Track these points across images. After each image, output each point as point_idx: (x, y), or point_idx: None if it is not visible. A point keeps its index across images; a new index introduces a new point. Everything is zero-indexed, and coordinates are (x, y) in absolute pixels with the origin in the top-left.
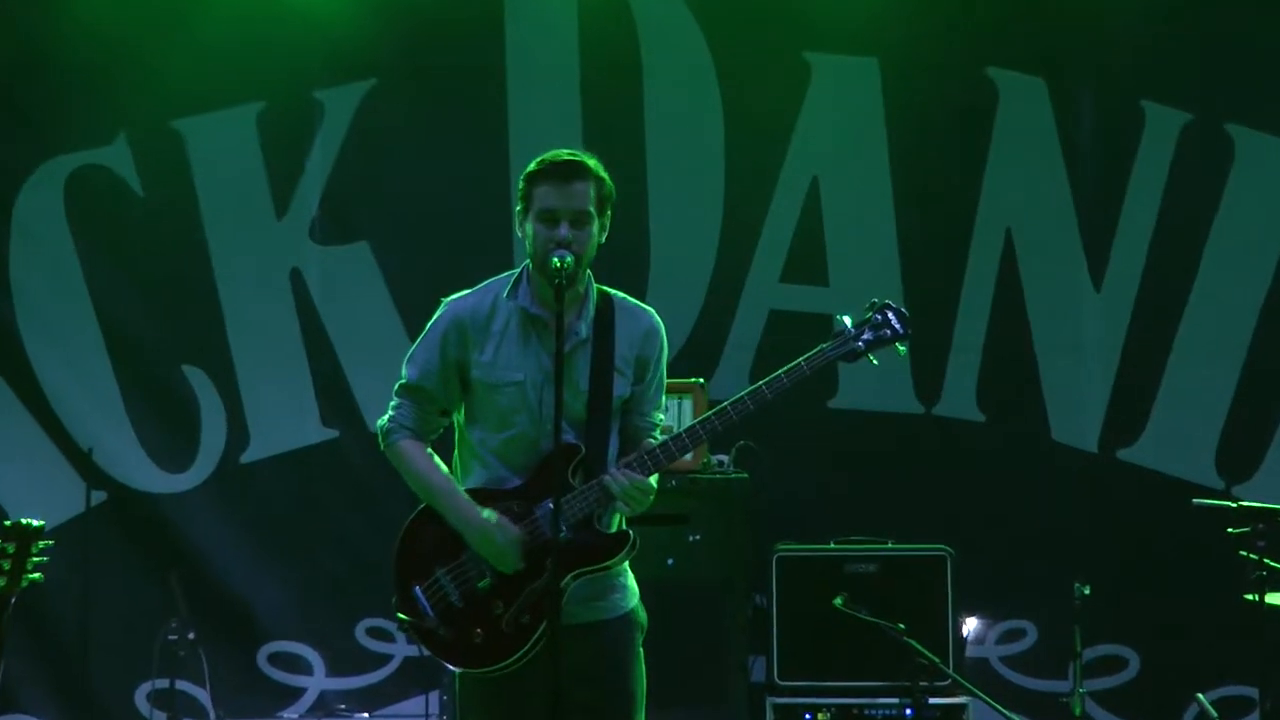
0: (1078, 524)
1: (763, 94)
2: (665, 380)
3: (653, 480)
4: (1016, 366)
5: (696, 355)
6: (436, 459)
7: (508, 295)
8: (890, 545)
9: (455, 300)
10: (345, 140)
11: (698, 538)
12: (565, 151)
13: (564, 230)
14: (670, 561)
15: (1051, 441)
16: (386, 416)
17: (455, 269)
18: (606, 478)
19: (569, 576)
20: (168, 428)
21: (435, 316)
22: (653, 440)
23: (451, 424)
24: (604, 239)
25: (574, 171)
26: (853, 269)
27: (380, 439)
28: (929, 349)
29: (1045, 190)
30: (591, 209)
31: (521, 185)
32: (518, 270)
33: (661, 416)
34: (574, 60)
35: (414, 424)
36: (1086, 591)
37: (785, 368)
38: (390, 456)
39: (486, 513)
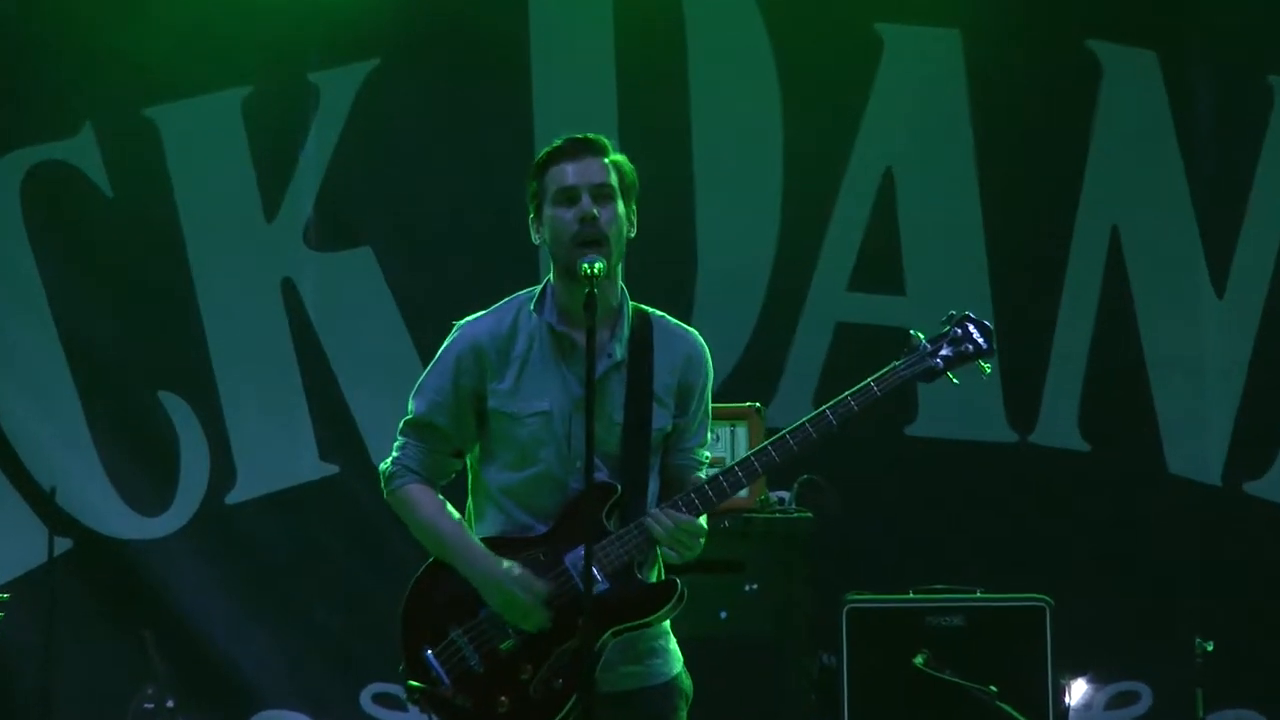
0: (1198, 569)
1: (827, 72)
2: (710, 413)
3: (702, 521)
4: (1125, 387)
5: (752, 376)
6: (448, 506)
7: (534, 308)
8: (979, 595)
9: (469, 323)
10: (344, 130)
11: (754, 587)
12: (575, 134)
13: (586, 202)
14: (723, 615)
15: (1167, 474)
16: (390, 459)
17: (472, 278)
18: (648, 519)
19: (607, 634)
20: (142, 464)
21: (447, 342)
22: (700, 477)
23: (464, 466)
24: (633, 233)
25: (587, 146)
26: (933, 275)
27: (383, 484)
28: (1023, 367)
29: (1157, 181)
30: (614, 183)
31: (531, 183)
32: (539, 286)
33: (707, 454)
34: (609, 35)
35: (422, 467)
36: (1209, 648)
37: (852, 390)
38: (393, 505)
39: (506, 564)
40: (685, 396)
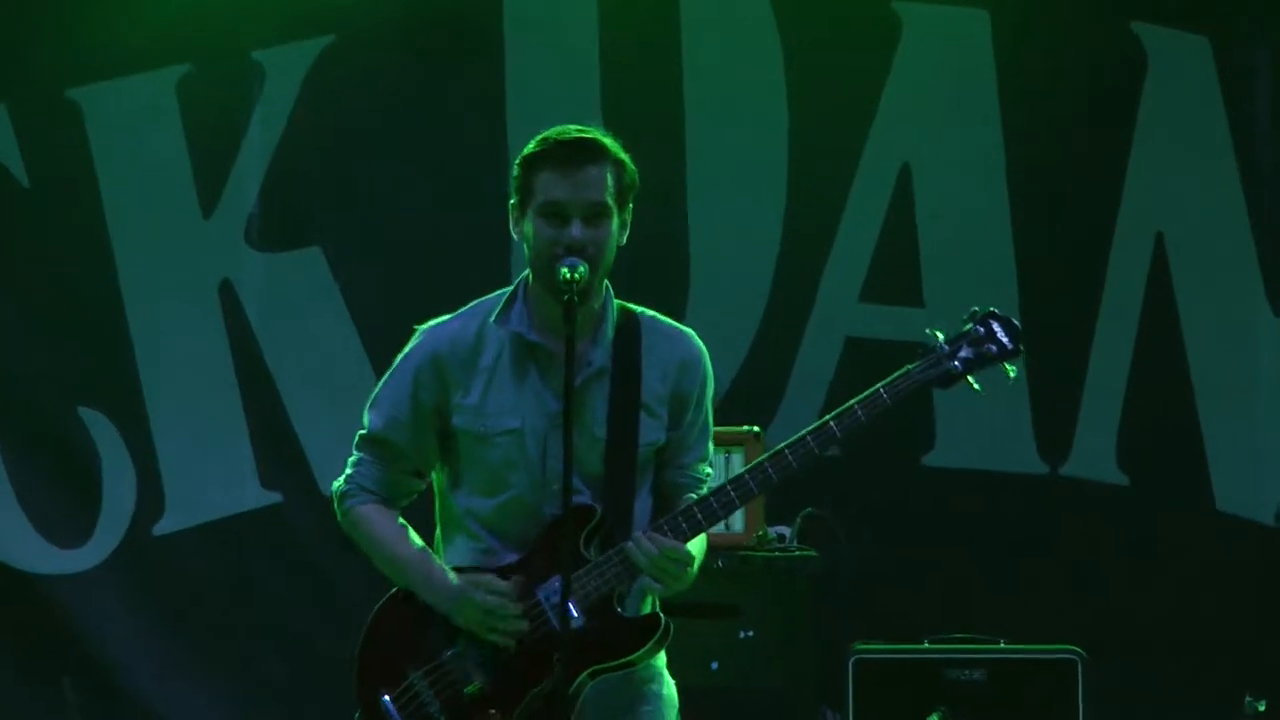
0: (1250, 618)
1: (839, 56)
2: (711, 423)
3: (693, 547)
4: (1170, 414)
5: (751, 397)
6: (409, 527)
7: (497, 319)
8: (1003, 645)
9: (432, 328)
10: (292, 115)
11: (751, 634)
12: (574, 128)
13: (576, 230)
14: (715, 666)
15: (1215, 511)
16: (343, 477)
17: (435, 283)
18: (629, 544)
19: (583, 675)
20: (59, 489)
21: (406, 349)
22: (693, 497)
23: (430, 488)
24: (625, 240)
25: (586, 152)
26: (954, 285)
27: (335, 504)
28: (1055, 389)
29: (1208, 183)
30: (609, 200)
31: (517, 172)
32: (511, 287)
33: (709, 470)
34: (592, 12)
35: (379, 486)
36: (1261, 707)
37: (860, 397)
38: (346, 527)
39: (469, 576)
40: (680, 406)
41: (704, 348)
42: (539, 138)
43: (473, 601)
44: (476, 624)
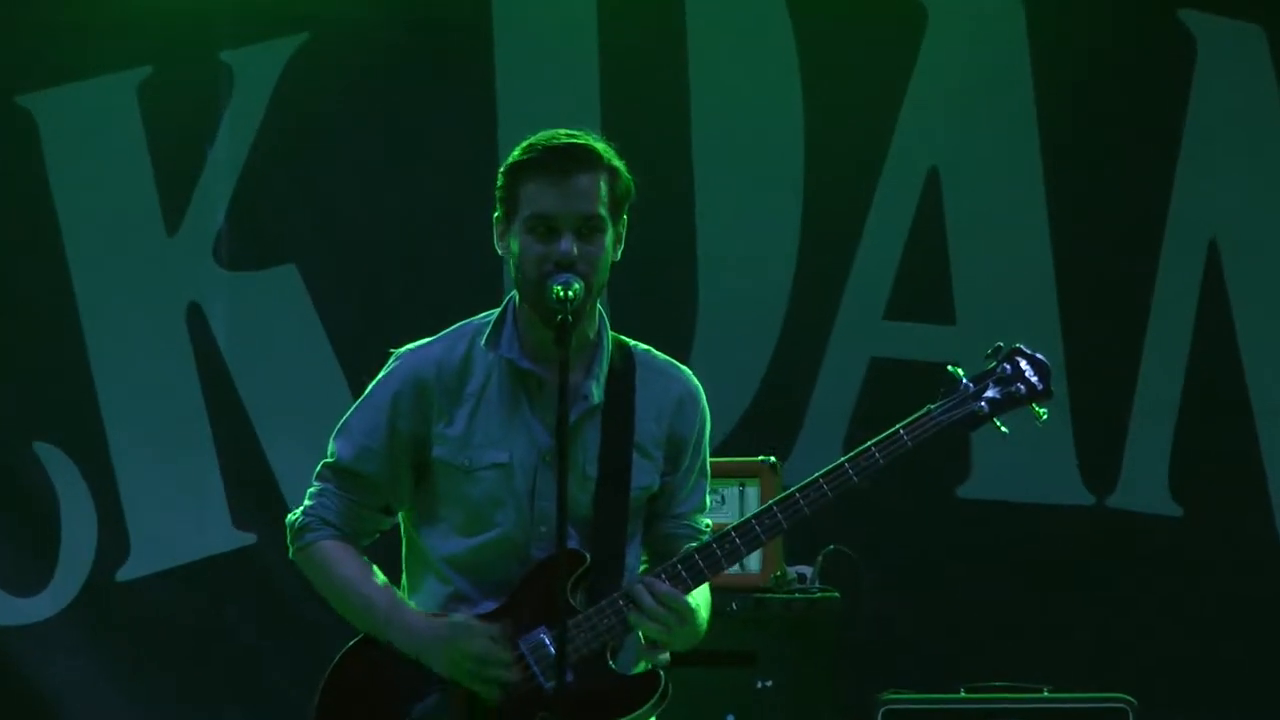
0: None
1: (859, 49)
2: (709, 470)
3: (693, 599)
4: (1226, 438)
5: (766, 425)
6: (374, 566)
7: (487, 343)
8: (1046, 694)
9: (412, 351)
10: (264, 122)
11: (769, 684)
12: (563, 132)
13: (566, 245)
14: (730, 718)
15: (1277, 544)
16: (300, 509)
17: (420, 304)
18: (630, 590)
19: None
20: (13, 531)
21: (383, 373)
22: (693, 546)
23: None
24: (620, 255)
25: (576, 159)
26: (988, 300)
27: (289, 538)
28: (1102, 413)
29: (1266, 184)
30: (603, 212)
31: (502, 182)
32: (499, 309)
33: (707, 522)
34: (590, 7)
35: (342, 520)
36: None
37: (878, 438)
38: (300, 563)
39: (444, 618)
40: (677, 450)
41: (700, 387)
42: (524, 144)
43: (459, 646)
44: (462, 672)
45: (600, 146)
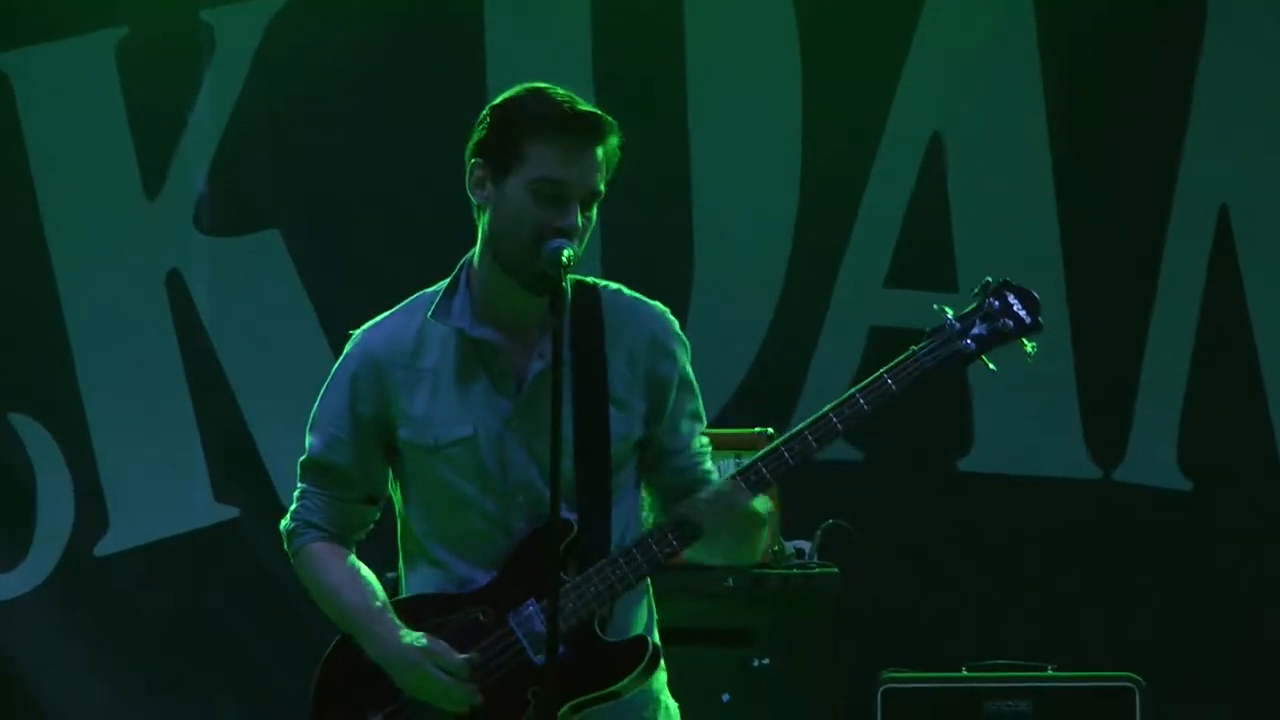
0: None
1: (858, 8)
2: (700, 399)
3: (759, 505)
4: (1237, 411)
5: (764, 395)
6: (361, 569)
7: (435, 314)
8: (1051, 672)
9: (366, 331)
10: (246, 83)
11: (766, 663)
12: (576, 98)
13: (573, 217)
14: (726, 699)
15: None
16: (289, 513)
17: (408, 270)
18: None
19: (565, 709)
20: None
21: (341, 357)
22: (713, 476)
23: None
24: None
25: (598, 132)
26: (992, 267)
27: (285, 545)
28: (1108, 384)
29: (1278, 148)
30: (604, 187)
31: (498, 125)
32: (451, 276)
33: (708, 452)
34: None
35: (327, 520)
36: None
37: (862, 384)
38: (296, 569)
39: (411, 636)
40: (659, 392)
41: (674, 320)
42: (537, 93)
43: (423, 674)
44: (417, 693)
45: (610, 120)
